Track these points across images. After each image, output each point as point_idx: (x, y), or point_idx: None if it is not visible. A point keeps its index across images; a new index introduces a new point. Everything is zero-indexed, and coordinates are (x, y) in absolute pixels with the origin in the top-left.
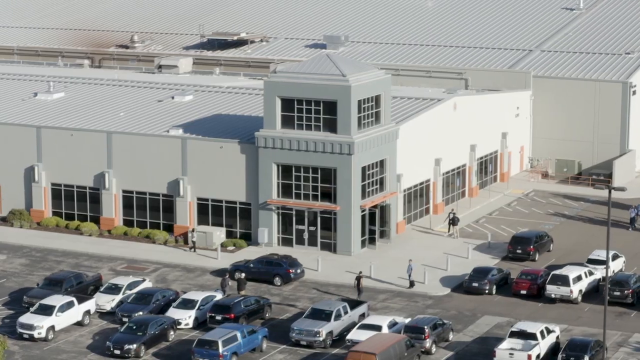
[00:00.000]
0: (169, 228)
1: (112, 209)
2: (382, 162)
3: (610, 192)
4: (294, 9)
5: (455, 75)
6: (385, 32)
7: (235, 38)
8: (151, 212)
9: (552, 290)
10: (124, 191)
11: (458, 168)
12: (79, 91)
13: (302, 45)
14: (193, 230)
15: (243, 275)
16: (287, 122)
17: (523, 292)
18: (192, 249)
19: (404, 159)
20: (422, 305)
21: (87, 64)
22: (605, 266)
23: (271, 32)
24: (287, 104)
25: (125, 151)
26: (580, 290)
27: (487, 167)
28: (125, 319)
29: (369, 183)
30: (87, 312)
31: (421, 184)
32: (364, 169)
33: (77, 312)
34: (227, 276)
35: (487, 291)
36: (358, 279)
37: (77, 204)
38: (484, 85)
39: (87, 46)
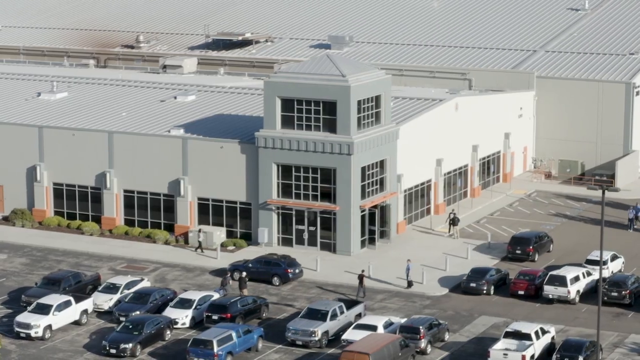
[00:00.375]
0: (170, 228)
1: (114, 209)
2: (382, 163)
3: (603, 192)
4: (299, 10)
5: (459, 76)
6: (390, 32)
7: (240, 38)
8: (152, 212)
9: (549, 290)
10: (125, 191)
11: (460, 168)
12: (82, 91)
13: (307, 45)
14: (200, 231)
15: (244, 274)
16: (287, 122)
17: (521, 292)
18: (200, 249)
19: (404, 159)
20: (420, 305)
21: (92, 64)
22: (603, 267)
23: (276, 32)
24: (287, 104)
25: (127, 151)
26: (578, 291)
27: (490, 167)
28: (122, 318)
29: (368, 183)
30: (85, 312)
31: (422, 184)
32: (363, 169)
33: (74, 311)
34: (229, 275)
35: (484, 291)
36: (360, 277)
37: (78, 204)
38: (487, 85)
39: (92, 46)
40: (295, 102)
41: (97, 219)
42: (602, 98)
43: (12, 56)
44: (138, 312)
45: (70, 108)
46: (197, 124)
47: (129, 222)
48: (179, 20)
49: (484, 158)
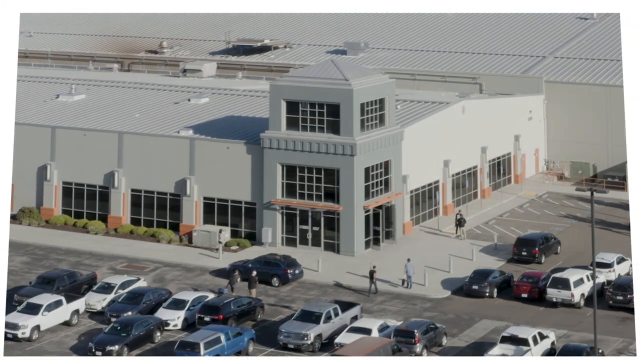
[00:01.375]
0: (175, 227)
1: (120, 208)
2: (386, 164)
3: (592, 194)
4: (317, 18)
5: (469, 80)
6: (404, 39)
7: (259, 44)
8: (158, 211)
9: (552, 294)
10: (132, 190)
11: (469, 170)
12: (100, 93)
13: (324, 51)
14: (220, 231)
15: (254, 273)
16: (291, 123)
17: (524, 295)
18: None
19: (410, 160)
20: (420, 308)
21: (116, 67)
22: (610, 270)
23: (294, 39)
24: (292, 106)
25: (135, 151)
26: (582, 294)
27: (500, 169)
28: (113, 319)
29: (373, 184)
30: (76, 312)
31: (429, 185)
32: (367, 169)
33: (65, 311)
34: (236, 273)
35: (487, 294)
36: (371, 273)
37: (86, 202)
38: (497, 89)
39: (118, 51)
40: (300, 105)
41: (104, 218)
42: (610, 102)
43: (40, 60)
44: (130, 313)
45: (85, 110)
46: (207, 125)
47: (135, 221)
48: (201, 27)
49: (493, 160)
